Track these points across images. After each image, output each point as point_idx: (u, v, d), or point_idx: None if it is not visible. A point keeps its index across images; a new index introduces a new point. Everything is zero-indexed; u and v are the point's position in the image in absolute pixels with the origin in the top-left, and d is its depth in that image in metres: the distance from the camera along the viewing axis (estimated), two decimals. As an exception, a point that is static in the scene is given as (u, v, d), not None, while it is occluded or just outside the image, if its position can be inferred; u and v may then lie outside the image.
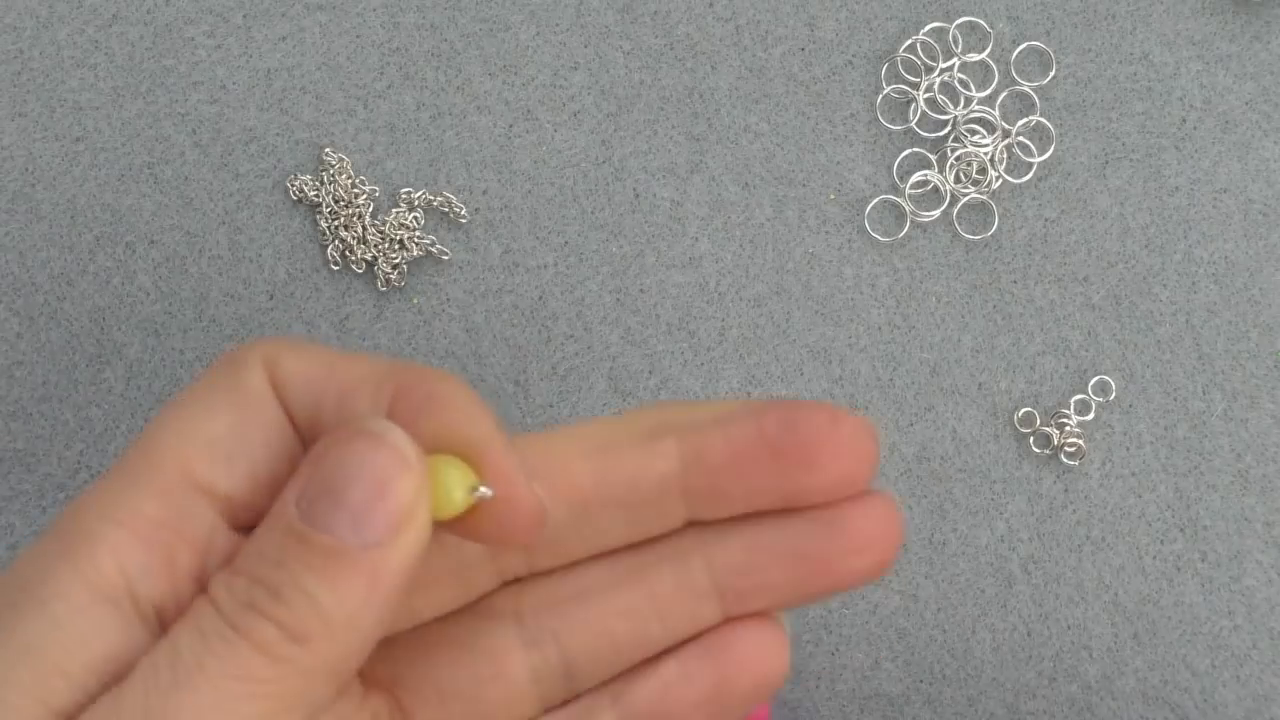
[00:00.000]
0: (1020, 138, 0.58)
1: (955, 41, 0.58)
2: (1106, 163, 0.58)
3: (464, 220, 0.58)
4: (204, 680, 0.28)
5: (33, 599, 0.29)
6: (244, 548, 0.30)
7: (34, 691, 0.28)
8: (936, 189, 0.58)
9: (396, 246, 0.58)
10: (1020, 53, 0.58)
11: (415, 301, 0.58)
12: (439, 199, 0.58)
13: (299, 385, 0.32)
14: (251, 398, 0.32)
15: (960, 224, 0.58)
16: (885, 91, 0.58)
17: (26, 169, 0.59)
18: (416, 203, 0.58)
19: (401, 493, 0.29)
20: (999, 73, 0.58)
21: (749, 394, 0.57)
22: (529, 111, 0.58)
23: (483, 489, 0.30)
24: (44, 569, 0.29)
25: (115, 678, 0.29)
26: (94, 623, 0.29)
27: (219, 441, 0.31)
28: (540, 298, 0.58)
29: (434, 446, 0.30)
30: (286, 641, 0.29)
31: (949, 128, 0.58)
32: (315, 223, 0.58)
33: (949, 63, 0.58)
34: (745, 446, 0.32)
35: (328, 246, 0.58)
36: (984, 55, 0.58)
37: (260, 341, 0.32)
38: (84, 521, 0.30)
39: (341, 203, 0.58)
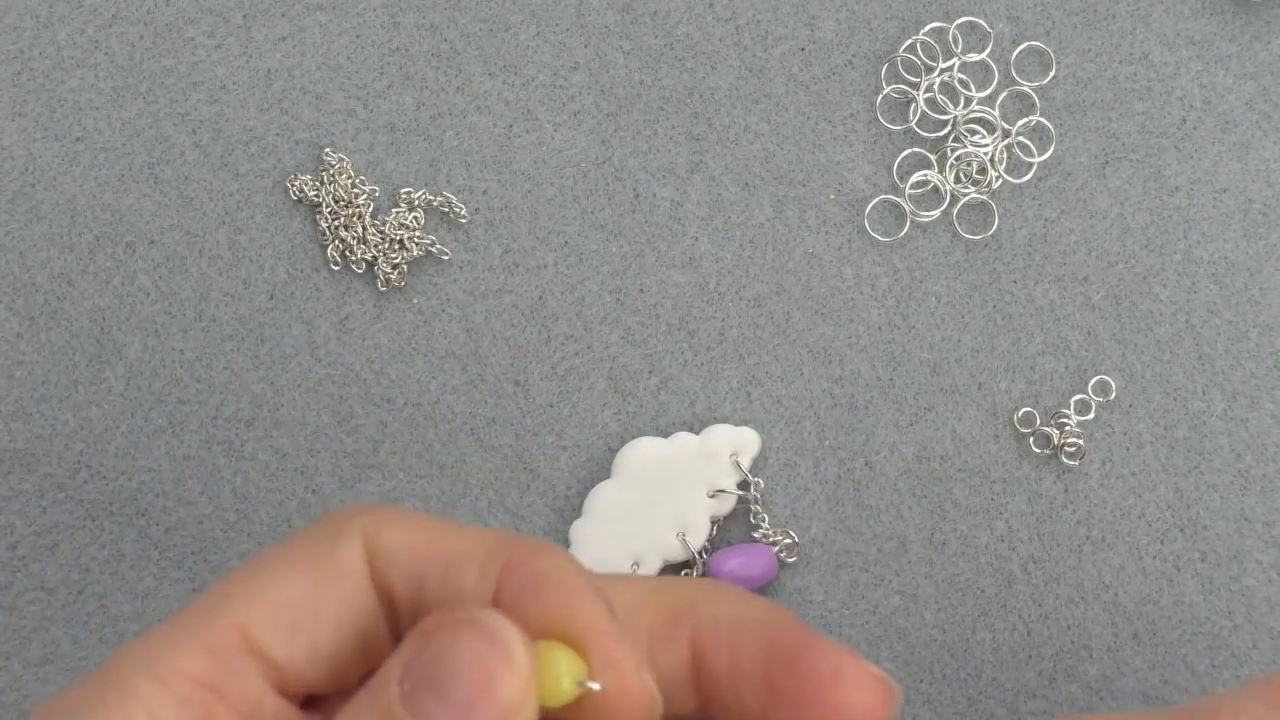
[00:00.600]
0: (1020, 138, 0.58)
1: (955, 41, 0.58)
2: (1106, 163, 0.58)
3: (464, 220, 0.58)
4: None
5: None
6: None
7: None
8: (936, 189, 0.58)
9: (396, 246, 0.58)
10: (1020, 53, 0.58)
11: (415, 301, 0.58)
12: (439, 199, 0.58)
13: (401, 558, 0.31)
14: (339, 568, 0.31)
15: (960, 224, 0.58)
16: (885, 91, 0.58)
17: (26, 169, 0.59)
18: (416, 203, 0.58)
19: (506, 692, 0.28)
20: (999, 73, 0.59)
21: (749, 394, 0.57)
22: (529, 111, 0.58)
23: (591, 683, 0.30)
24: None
25: None
26: None
27: (287, 607, 0.30)
28: (540, 298, 0.58)
29: (543, 630, 0.30)
30: None
31: (949, 128, 0.58)
32: (315, 223, 0.58)
33: (949, 63, 0.58)
34: (748, 666, 0.31)
35: (328, 246, 0.58)
36: (984, 55, 0.58)
37: (364, 509, 0.31)
38: (123, 672, 0.29)
39: (341, 203, 0.58)
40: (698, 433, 0.56)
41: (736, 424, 0.56)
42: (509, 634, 0.29)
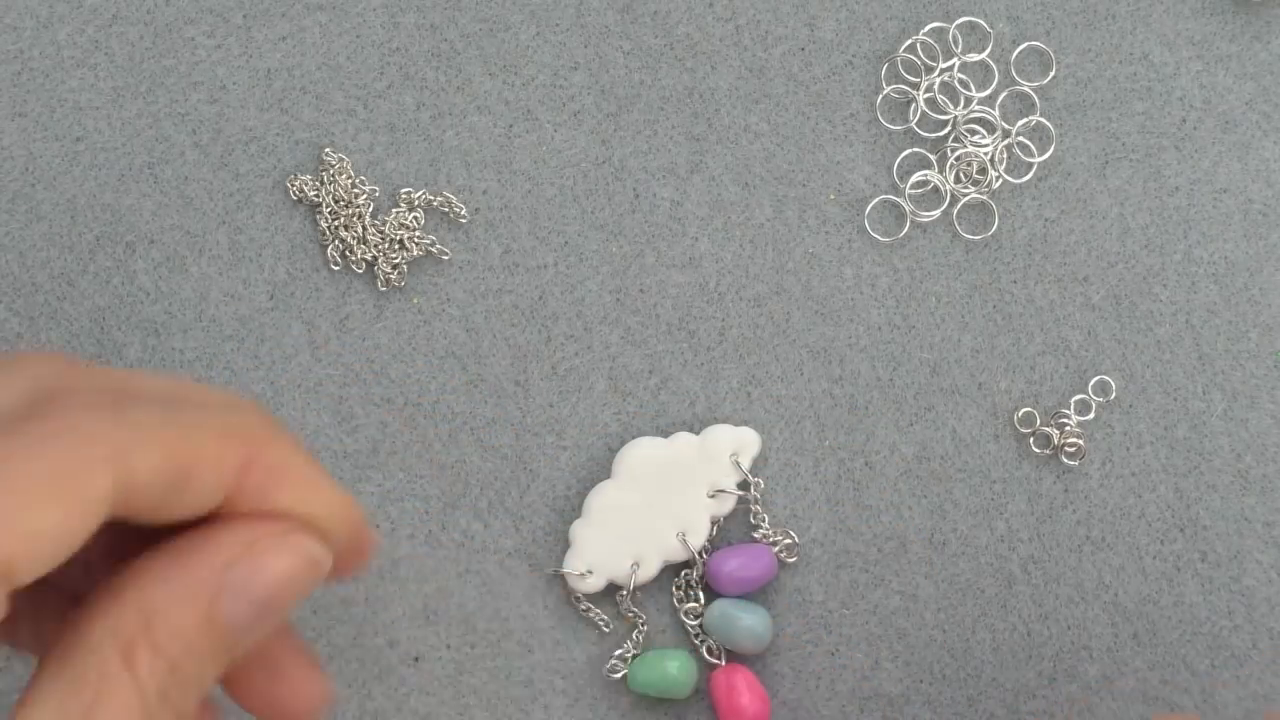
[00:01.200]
0: (1020, 138, 0.58)
1: (955, 41, 0.58)
2: (1106, 163, 0.58)
3: (464, 220, 0.58)
4: None
5: None
6: (159, 615, 0.32)
7: None
8: (936, 189, 0.58)
9: (396, 246, 0.58)
10: (1020, 53, 0.58)
11: (415, 301, 0.58)
12: (439, 199, 0.58)
13: (144, 483, 0.32)
14: (88, 501, 0.32)
15: (960, 224, 0.58)
16: (885, 91, 0.58)
17: (26, 169, 0.59)
18: (416, 203, 0.58)
19: (294, 598, 0.34)
20: (999, 73, 0.58)
21: (749, 394, 0.57)
22: (529, 111, 0.58)
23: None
24: None
25: None
26: None
27: (38, 539, 0.31)
28: (540, 298, 0.58)
29: (285, 513, 0.34)
30: None
31: (949, 128, 0.58)
32: (315, 223, 0.58)
33: (949, 63, 0.58)
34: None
35: (328, 246, 0.58)
36: (984, 55, 0.58)
37: (107, 428, 0.32)
38: None
39: (341, 203, 0.58)
40: (698, 433, 0.56)
41: (736, 424, 0.56)
42: (310, 549, 0.34)
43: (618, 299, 0.58)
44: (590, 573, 0.55)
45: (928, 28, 0.58)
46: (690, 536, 0.55)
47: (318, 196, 0.58)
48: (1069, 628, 0.56)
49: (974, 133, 0.58)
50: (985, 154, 0.58)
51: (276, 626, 0.35)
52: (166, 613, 0.32)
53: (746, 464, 0.56)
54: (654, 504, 0.55)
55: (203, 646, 0.32)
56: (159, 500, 0.33)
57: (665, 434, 0.57)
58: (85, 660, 0.32)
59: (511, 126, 0.58)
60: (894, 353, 0.57)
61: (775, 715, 0.56)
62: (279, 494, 0.34)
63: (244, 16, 0.59)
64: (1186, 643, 0.56)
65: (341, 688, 0.56)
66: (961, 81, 0.58)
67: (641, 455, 0.56)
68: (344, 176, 0.58)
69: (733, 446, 0.56)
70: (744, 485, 0.56)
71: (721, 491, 0.56)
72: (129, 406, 0.33)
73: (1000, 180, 0.58)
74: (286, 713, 0.37)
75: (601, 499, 0.56)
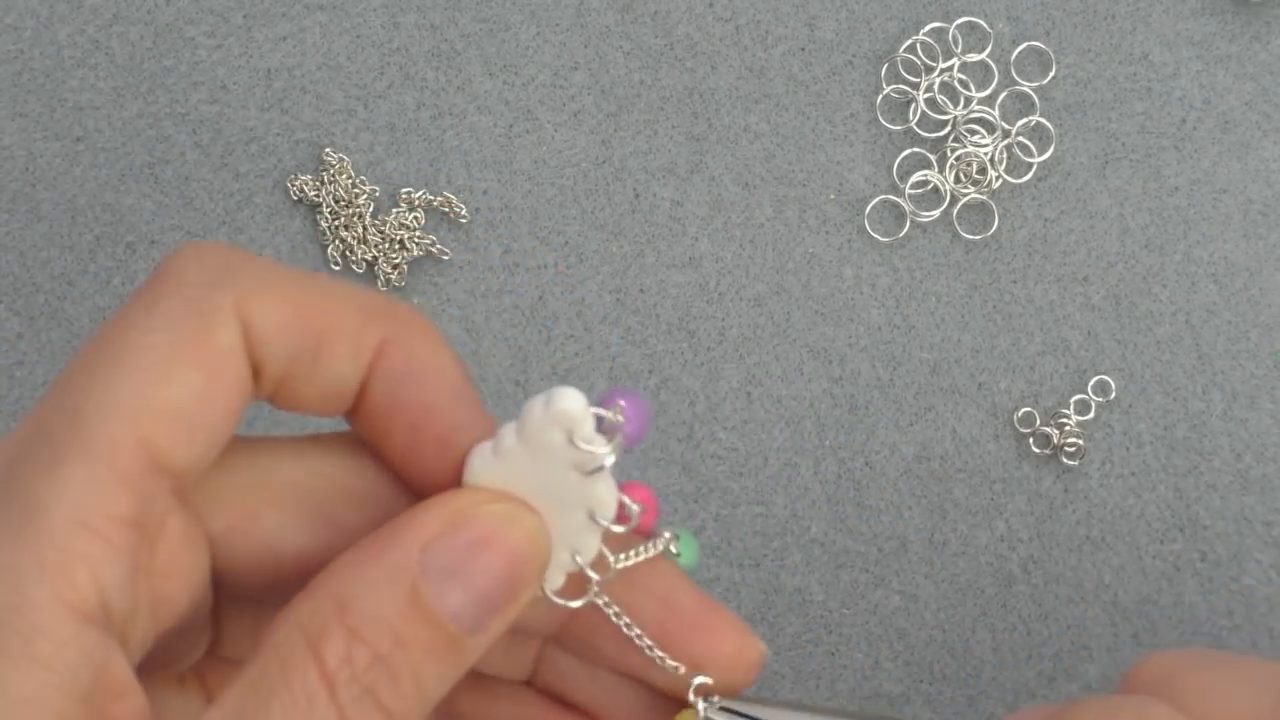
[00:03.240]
0: (1020, 138, 0.58)
1: (955, 41, 0.58)
2: (1106, 163, 0.58)
3: (464, 220, 0.58)
4: None
5: (15, 634, 0.25)
6: (354, 600, 0.27)
7: None
8: (936, 189, 0.58)
9: (397, 246, 0.58)
10: (1020, 53, 0.58)
11: (415, 302, 0.58)
12: (439, 199, 0.58)
13: (274, 337, 0.28)
14: (222, 357, 0.28)
15: (960, 224, 0.58)
16: (885, 91, 0.58)
17: (26, 169, 0.59)
18: (416, 203, 0.58)
19: (524, 598, 0.29)
20: (999, 73, 0.59)
21: (749, 394, 0.57)
22: (529, 111, 0.58)
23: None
24: (19, 593, 0.26)
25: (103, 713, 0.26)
26: (80, 655, 0.26)
27: (182, 409, 0.27)
28: (540, 298, 0.58)
29: (413, 418, 0.29)
30: None
31: (949, 128, 0.58)
32: (315, 223, 0.58)
33: (949, 63, 0.58)
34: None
35: (328, 246, 0.58)
36: (984, 55, 0.58)
37: (229, 278, 0.28)
38: (52, 524, 0.26)
39: (342, 203, 0.58)
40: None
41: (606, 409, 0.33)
42: (541, 535, 0.29)
43: (618, 299, 0.58)
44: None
45: (928, 28, 0.58)
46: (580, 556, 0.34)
47: (318, 196, 0.58)
48: (1069, 628, 0.56)
49: (974, 133, 0.58)
50: (985, 154, 0.58)
51: (521, 622, 0.30)
52: (363, 597, 0.27)
53: (585, 434, 0.31)
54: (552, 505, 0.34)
55: (415, 638, 0.28)
56: (289, 370, 0.29)
57: (664, 433, 0.57)
58: (268, 653, 0.27)
59: (511, 126, 0.58)
60: (894, 353, 0.57)
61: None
62: (420, 390, 0.29)
63: (244, 16, 0.59)
64: (1186, 643, 0.56)
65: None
66: (961, 81, 0.58)
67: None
68: (344, 176, 0.58)
69: (557, 430, 0.32)
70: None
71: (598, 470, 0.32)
72: (247, 257, 0.29)
73: (1000, 180, 0.58)
74: (720, 664, 0.32)
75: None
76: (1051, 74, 0.58)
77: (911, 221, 0.58)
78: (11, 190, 0.58)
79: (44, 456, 0.26)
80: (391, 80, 0.59)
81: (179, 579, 0.28)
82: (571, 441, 0.29)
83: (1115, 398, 0.57)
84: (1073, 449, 0.56)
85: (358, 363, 0.29)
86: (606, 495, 0.30)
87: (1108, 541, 0.56)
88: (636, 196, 0.58)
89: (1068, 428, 0.56)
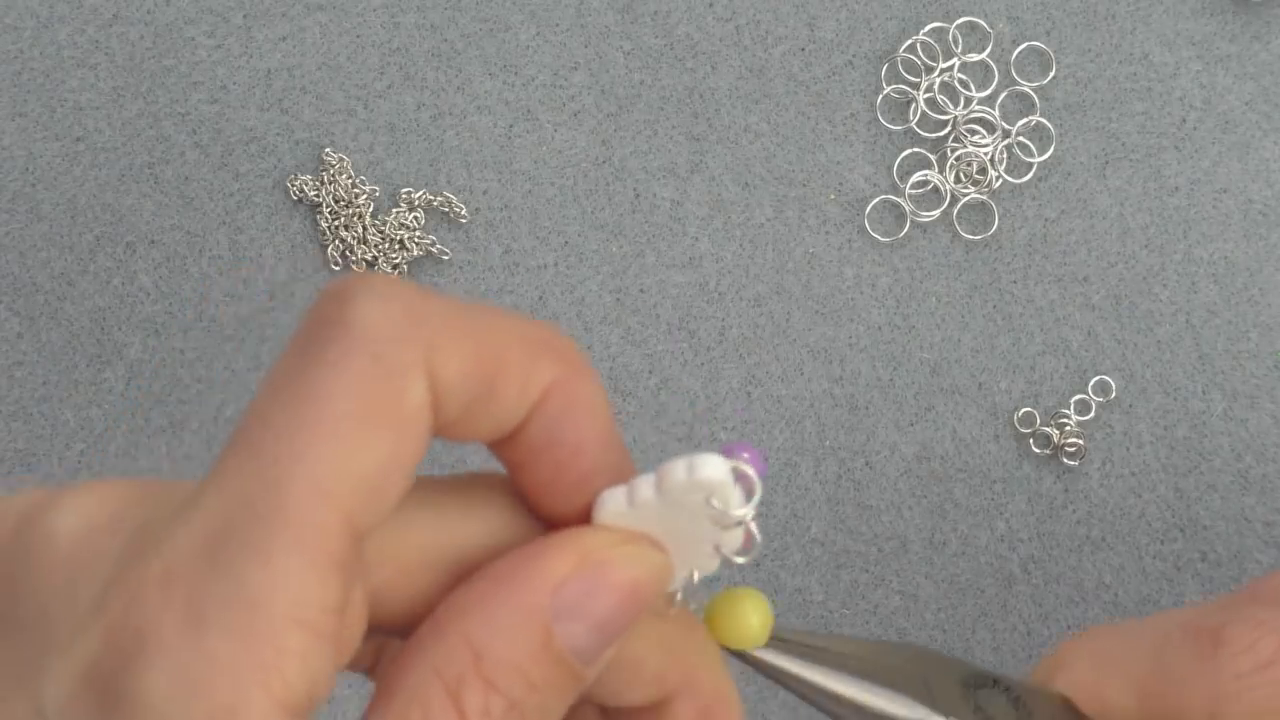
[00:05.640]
0: (1020, 138, 0.58)
1: (955, 41, 0.58)
2: (1106, 163, 0.58)
3: (464, 220, 0.58)
4: None
5: None
6: (489, 649, 0.28)
7: None
8: (936, 189, 0.58)
9: (397, 246, 0.58)
10: (1020, 53, 0.58)
11: (415, 301, 0.58)
12: (439, 199, 0.58)
13: (456, 387, 0.28)
14: (411, 420, 0.27)
15: (960, 224, 0.58)
16: (885, 91, 0.58)
17: (26, 169, 0.59)
18: (416, 203, 0.58)
19: (639, 613, 0.29)
20: (999, 73, 0.59)
21: (749, 394, 0.57)
22: (529, 111, 0.58)
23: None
24: (239, 694, 0.25)
25: None
26: None
27: (378, 481, 0.27)
28: (540, 298, 0.58)
29: (564, 456, 0.30)
30: None
31: (949, 128, 0.58)
32: (315, 223, 0.58)
33: (949, 63, 0.58)
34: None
35: (328, 246, 0.58)
36: (984, 55, 0.58)
37: (415, 331, 0.27)
38: (272, 622, 0.25)
39: (342, 203, 0.58)
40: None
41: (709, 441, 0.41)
42: (664, 570, 0.30)
43: (618, 299, 0.58)
44: None
45: (928, 28, 0.58)
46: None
47: (318, 196, 0.58)
48: (1069, 628, 0.56)
49: (974, 133, 0.58)
50: (985, 154, 0.58)
51: (626, 646, 0.30)
52: (497, 645, 0.28)
53: (733, 504, 0.34)
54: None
55: (545, 680, 0.28)
56: (464, 412, 0.28)
57: (664, 433, 0.57)
58: (407, 701, 0.27)
59: (511, 126, 0.58)
60: (894, 353, 0.57)
61: (775, 715, 0.56)
62: (575, 431, 0.29)
63: (244, 16, 0.59)
64: (1186, 643, 0.56)
65: (342, 688, 0.56)
66: (961, 81, 0.58)
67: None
68: (344, 176, 0.58)
69: (698, 493, 0.33)
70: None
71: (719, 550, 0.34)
72: (426, 299, 0.28)
73: (1000, 180, 0.58)
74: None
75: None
76: (1051, 74, 0.58)
77: (911, 221, 0.58)
78: (11, 190, 0.58)
79: (256, 541, 0.26)
80: (391, 80, 0.59)
81: (353, 638, 0.29)
82: (709, 502, 0.30)
83: (1115, 398, 0.57)
84: (1073, 449, 0.56)
85: (525, 402, 0.29)
86: (739, 538, 0.31)
87: (1108, 541, 0.56)
88: (636, 196, 0.58)
89: (1068, 428, 0.56)
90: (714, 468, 0.30)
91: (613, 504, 0.30)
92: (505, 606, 0.28)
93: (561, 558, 0.29)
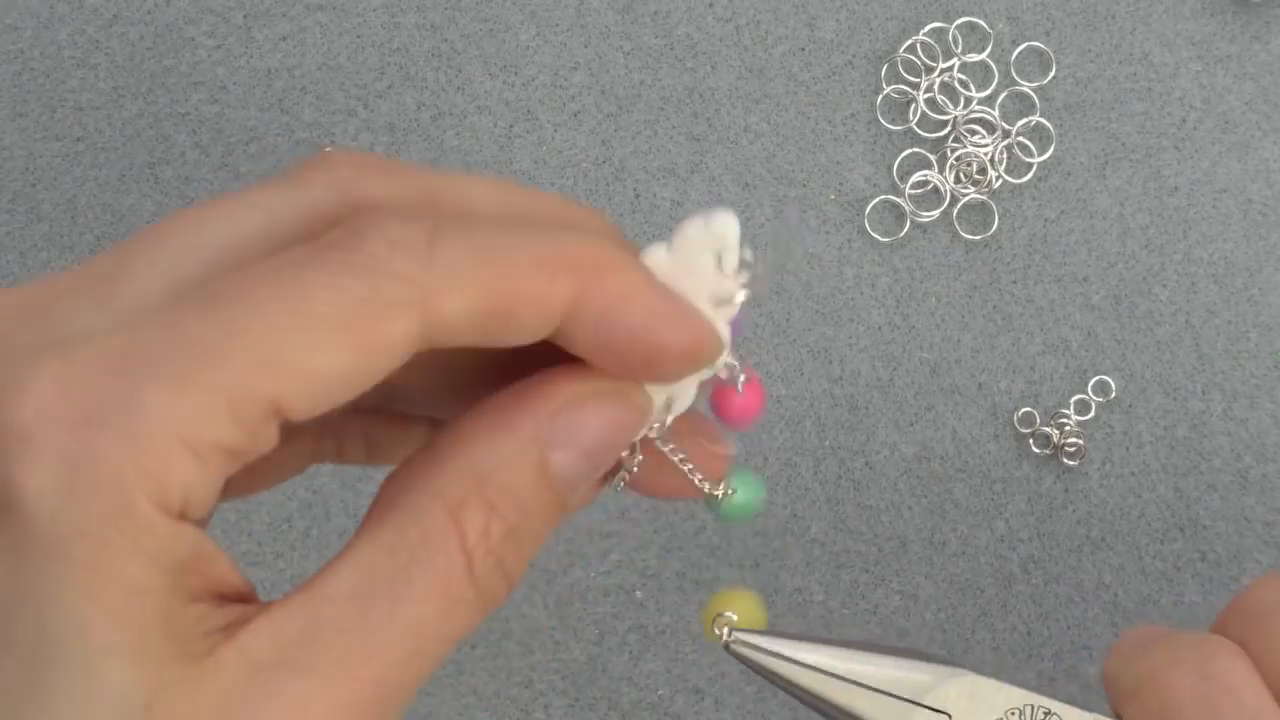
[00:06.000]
0: (1020, 138, 0.58)
1: (955, 41, 0.58)
2: (1106, 163, 0.58)
3: (464, 220, 0.58)
4: (409, 628, 0.28)
5: (121, 533, 0.26)
6: (491, 473, 0.29)
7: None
8: (936, 189, 0.58)
9: (396, 246, 0.58)
10: (1020, 53, 0.58)
11: (415, 301, 0.58)
12: (439, 199, 0.58)
13: (456, 325, 0.29)
14: (383, 346, 0.28)
15: (960, 224, 0.58)
16: (885, 91, 0.58)
17: (26, 169, 0.59)
18: (416, 203, 0.58)
19: (621, 442, 0.31)
20: (999, 73, 0.59)
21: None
22: (529, 112, 0.58)
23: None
24: (124, 495, 0.26)
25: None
26: (176, 541, 0.27)
27: (321, 381, 0.27)
28: (540, 298, 0.58)
29: (622, 353, 0.31)
30: (504, 593, 0.29)
31: (949, 128, 0.58)
32: (315, 223, 0.58)
33: (949, 63, 0.58)
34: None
35: (328, 246, 0.58)
36: (984, 55, 0.58)
37: (424, 269, 0.28)
38: (162, 433, 0.26)
39: (341, 203, 0.58)
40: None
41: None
42: (646, 406, 0.31)
43: (618, 299, 0.58)
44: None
45: (928, 28, 0.58)
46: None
47: (318, 196, 0.58)
48: (1069, 628, 0.56)
49: (974, 133, 0.58)
50: (985, 154, 0.58)
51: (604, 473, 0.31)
52: (499, 471, 0.29)
53: (733, 262, 0.36)
54: None
55: (539, 505, 0.30)
56: (471, 338, 0.29)
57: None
58: (405, 521, 0.28)
59: (511, 127, 0.58)
60: (894, 353, 0.57)
61: (774, 715, 0.56)
62: (611, 329, 0.30)
63: (244, 16, 0.59)
64: (1186, 643, 0.56)
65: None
66: (961, 81, 0.58)
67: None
68: (344, 176, 0.58)
69: (709, 246, 0.37)
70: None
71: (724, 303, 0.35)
72: (442, 237, 0.28)
73: (1000, 180, 0.58)
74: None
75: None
76: (1051, 74, 0.58)
77: (911, 222, 0.58)
78: (11, 190, 0.58)
79: (176, 371, 0.27)
80: (391, 80, 0.59)
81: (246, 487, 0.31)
82: (717, 266, 0.33)
83: (1115, 398, 0.57)
84: (1073, 449, 0.56)
85: (547, 321, 0.30)
86: (723, 339, 0.32)
87: (1108, 541, 0.56)
88: (636, 196, 0.58)
89: (1068, 428, 0.56)
90: (729, 222, 0.34)
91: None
92: (505, 436, 0.30)
93: (557, 393, 0.30)
